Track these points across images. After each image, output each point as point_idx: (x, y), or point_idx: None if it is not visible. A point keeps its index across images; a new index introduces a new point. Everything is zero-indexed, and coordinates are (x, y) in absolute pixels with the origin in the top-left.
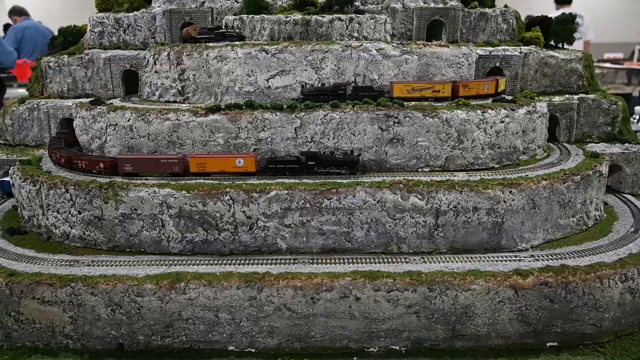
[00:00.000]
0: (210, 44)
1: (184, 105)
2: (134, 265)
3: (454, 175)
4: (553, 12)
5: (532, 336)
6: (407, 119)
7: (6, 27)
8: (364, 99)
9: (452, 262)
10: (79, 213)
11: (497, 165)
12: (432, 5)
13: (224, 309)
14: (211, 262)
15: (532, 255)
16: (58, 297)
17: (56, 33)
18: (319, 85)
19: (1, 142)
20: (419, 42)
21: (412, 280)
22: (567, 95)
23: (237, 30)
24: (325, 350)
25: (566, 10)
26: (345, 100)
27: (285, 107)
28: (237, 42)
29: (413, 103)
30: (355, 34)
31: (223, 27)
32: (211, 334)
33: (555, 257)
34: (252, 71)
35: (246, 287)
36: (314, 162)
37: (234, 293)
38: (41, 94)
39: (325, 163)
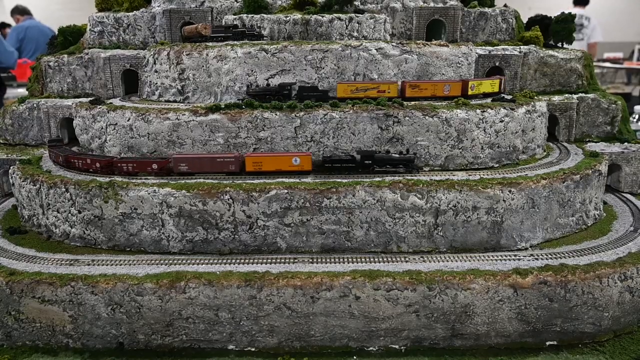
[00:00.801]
0: (210, 44)
1: (183, 104)
2: (134, 265)
3: (454, 175)
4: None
5: (532, 335)
6: (407, 118)
7: (2, 25)
8: (308, 100)
9: (452, 261)
10: (79, 212)
11: (497, 165)
12: (432, 4)
13: (224, 308)
14: (211, 261)
15: (531, 255)
16: (58, 296)
17: (56, 32)
18: (265, 85)
19: (1, 141)
20: (418, 41)
21: (411, 279)
22: (566, 95)
23: (258, 30)
24: (325, 349)
25: (582, 11)
26: (291, 100)
27: (285, 106)
28: (237, 42)
29: (413, 103)
30: (355, 34)
31: (225, 24)
32: (211, 333)
33: (554, 256)
34: (252, 70)
35: (246, 286)
36: (370, 161)
37: (234, 292)
38: (41, 94)
39: (382, 162)
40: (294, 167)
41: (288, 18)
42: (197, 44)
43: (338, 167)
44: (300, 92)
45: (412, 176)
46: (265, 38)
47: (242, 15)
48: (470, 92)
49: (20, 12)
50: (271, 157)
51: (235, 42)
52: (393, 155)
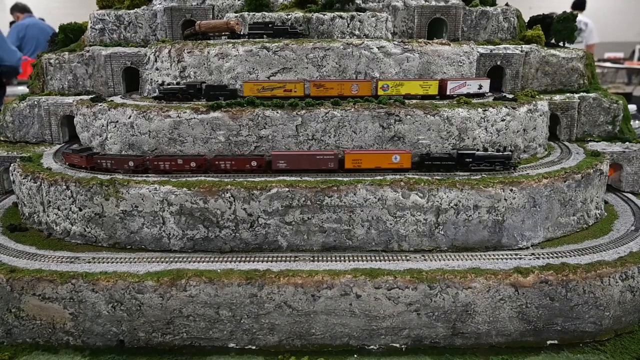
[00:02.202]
0: (212, 42)
1: (184, 102)
2: (135, 262)
3: (455, 174)
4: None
5: (533, 334)
6: (408, 116)
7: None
8: (216, 99)
9: (453, 260)
10: (80, 210)
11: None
12: (434, 3)
13: (225, 306)
14: (212, 259)
15: (532, 254)
16: (59, 293)
17: (57, 30)
18: (175, 84)
19: (1, 139)
20: (420, 40)
21: (412, 278)
22: (568, 94)
23: (300, 27)
24: (326, 348)
25: (580, 16)
26: (200, 99)
27: (286, 104)
28: (238, 40)
29: (414, 101)
30: (357, 32)
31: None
32: (212, 331)
33: (555, 255)
34: (254, 68)
35: (247, 284)
36: (470, 159)
37: (235, 290)
38: (42, 91)
39: (481, 160)
40: (394, 165)
41: (289, 16)
42: (199, 41)
43: (437, 165)
44: (208, 91)
45: (413, 174)
46: (306, 36)
47: (243, 12)
48: (382, 93)
49: (20, 9)
50: (371, 154)
51: (237, 40)
52: (492, 152)
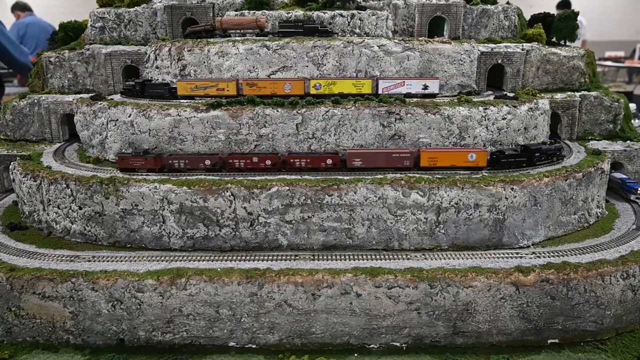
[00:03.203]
0: (212, 40)
1: (184, 101)
2: (135, 261)
3: (455, 172)
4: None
5: (533, 333)
6: (409, 115)
7: None
8: (158, 95)
9: (454, 259)
10: (80, 208)
11: None
12: (434, 1)
13: (225, 305)
14: (212, 258)
15: (533, 252)
16: (59, 292)
17: (57, 28)
18: (133, 82)
19: (1, 137)
20: (421, 38)
21: (413, 277)
22: (569, 93)
23: (329, 27)
24: (326, 347)
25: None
26: (141, 96)
27: (286, 103)
28: (238, 38)
29: (415, 100)
30: (357, 30)
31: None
32: (212, 330)
33: (556, 254)
34: (254, 67)
35: (247, 283)
36: (538, 154)
37: (235, 289)
38: (42, 90)
39: (545, 154)
40: (469, 163)
41: (290, 14)
42: (199, 40)
43: (512, 162)
44: (149, 89)
45: (414, 174)
46: (335, 34)
47: (243, 11)
48: (315, 92)
49: (20, 8)
50: (447, 152)
51: (238, 38)
52: (550, 146)
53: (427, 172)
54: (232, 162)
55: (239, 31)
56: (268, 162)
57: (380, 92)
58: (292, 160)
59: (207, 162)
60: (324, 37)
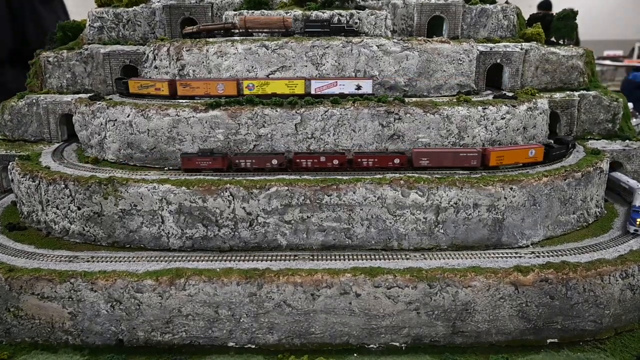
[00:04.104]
0: (211, 40)
1: (183, 100)
2: (134, 261)
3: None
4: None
5: (533, 332)
6: (408, 115)
7: None
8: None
9: (453, 258)
10: (79, 209)
11: None
12: (433, 1)
13: (224, 305)
14: (211, 258)
15: (532, 252)
16: (57, 292)
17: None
18: None
19: (0, 137)
20: (419, 38)
21: (412, 276)
22: (567, 92)
23: (355, 26)
24: (325, 347)
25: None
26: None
27: (285, 103)
28: (237, 38)
29: (414, 99)
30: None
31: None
32: (211, 330)
33: (555, 253)
34: (253, 67)
35: (246, 283)
36: (570, 146)
37: (234, 289)
38: (40, 89)
39: (572, 145)
40: (530, 159)
41: (289, 14)
42: (197, 39)
43: (558, 154)
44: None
45: (412, 173)
46: (362, 34)
47: (242, 11)
48: (247, 92)
49: None
50: (512, 150)
51: (236, 38)
52: (571, 138)
53: (490, 171)
54: (299, 161)
55: (263, 31)
56: (335, 162)
57: (312, 92)
58: (359, 160)
59: (274, 161)
60: (351, 37)
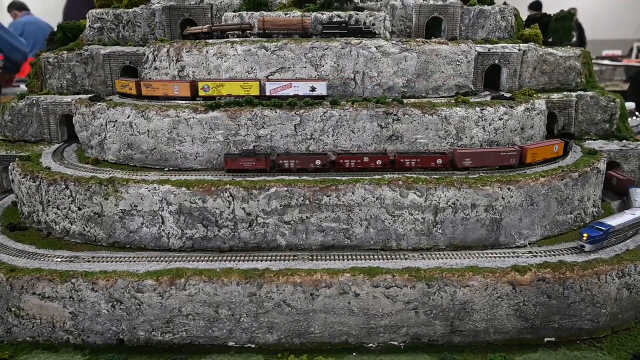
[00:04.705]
0: (210, 41)
1: (183, 102)
2: (134, 262)
3: (453, 172)
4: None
5: (530, 331)
6: (406, 116)
7: None
8: None
9: (451, 258)
10: (79, 209)
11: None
12: (432, 2)
13: (224, 305)
14: (211, 258)
15: (530, 252)
16: (58, 292)
17: (55, 29)
18: None
19: (0, 138)
20: (418, 39)
21: (411, 276)
22: (565, 93)
23: (372, 27)
24: (325, 346)
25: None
26: None
27: (285, 104)
28: (236, 39)
29: (413, 100)
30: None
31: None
32: (211, 330)
33: (553, 253)
34: (252, 68)
35: (246, 283)
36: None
37: (234, 289)
38: (40, 90)
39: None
40: (554, 154)
41: (288, 15)
42: (198, 40)
43: (571, 147)
44: None
45: (411, 174)
46: (378, 35)
47: (241, 12)
48: (202, 94)
49: (17, 7)
50: (542, 147)
51: (236, 39)
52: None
53: (526, 168)
54: (342, 162)
55: (283, 32)
56: (379, 162)
57: (267, 93)
58: (401, 160)
59: (318, 162)
60: (367, 38)
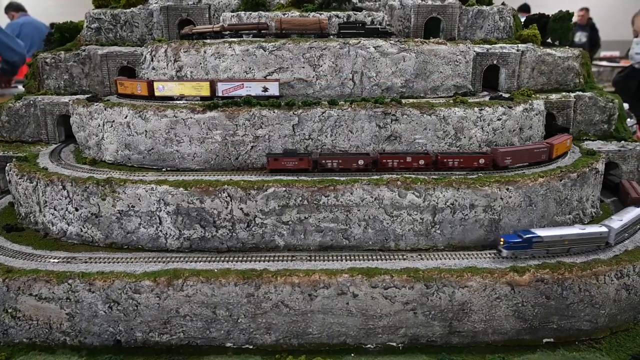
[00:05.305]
0: (208, 41)
1: (181, 102)
2: (132, 262)
3: (451, 173)
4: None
5: (528, 332)
6: (405, 116)
7: None
8: None
9: (449, 259)
10: (76, 210)
11: None
12: (430, 2)
13: (222, 306)
14: (209, 259)
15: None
16: (55, 293)
17: (52, 29)
18: None
19: None
20: (416, 39)
21: (409, 277)
22: (563, 93)
23: (389, 27)
24: (323, 347)
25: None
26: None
27: (283, 104)
28: (234, 39)
29: (411, 100)
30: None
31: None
32: (209, 331)
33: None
34: (250, 68)
35: (244, 284)
36: None
37: (232, 290)
38: (37, 91)
39: None
40: (567, 148)
41: (286, 15)
42: (195, 40)
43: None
44: None
45: (410, 174)
46: (394, 35)
47: (239, 12)
48: (158, 94)
49: (14, 8)
50: (561, 142)
51: (234, 39)
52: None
53: (552, 163)
54: (385, 161)
55: (300, 32)
56: (421, 162)
57: (219, 94)
58: (444, 160)
59: (360, 162)
60: (383, 38)
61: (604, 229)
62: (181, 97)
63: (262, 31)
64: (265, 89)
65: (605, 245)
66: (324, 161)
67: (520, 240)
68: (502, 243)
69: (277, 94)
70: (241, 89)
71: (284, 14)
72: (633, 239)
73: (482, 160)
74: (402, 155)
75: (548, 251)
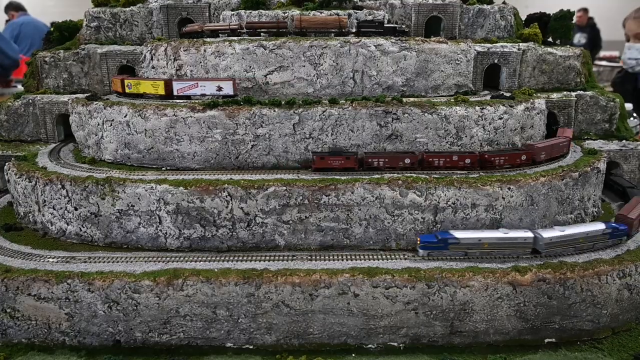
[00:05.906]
0: (208, 40)
1: (181, 101)
2: (131, 262)
3: (453, 172)
4: None
5: (530, 332)
6: (406, 115)
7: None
8: None
9: (451, 258)
10: (76, 209)
11: None
12: (431, 1)
13: (222, 306)
14: (209, 258)
15: None
16: (54, 293)
17: (51, 28)
18: None
19: None
20: (417, 38)
21: (410, 276)
22: (565, 92)
23: (405, 27)
24: (324, 347)
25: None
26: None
27: (283, 103)
28: (234, 38)
29: (412, 99)
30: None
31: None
32: (209, 331)
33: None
34: (250, 67)
35: (244, 283)
36: None
37: (232, 289)
38: (37, 90)
39: None
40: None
41: (286, 14)
42: (195, 39)
43: None
44: None
45: (412, 173)
46: (408, 35)
47: (239, 11)
48: (128, 91)
49: (14, 8)
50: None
51: (234, 38)
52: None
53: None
54: (431, 160)
55: (319, 30)
56: (467, 161)
57: (175, 93)
58: (491, 159)
59: (407, 160)
60: (401, 37)
61: (530, 234)
62: (144, 95)
63: (281, 30)
64: (220, 88)
65: (532, 252)
66: (370, 160)
67: (435, 240)
68: (418, 243)
69: (231, 93)
70: (195, 88)
71: (284, 13)
72: (635, 238)
73: (523, 157)
74: (448, 155)
75: (467, 253)
